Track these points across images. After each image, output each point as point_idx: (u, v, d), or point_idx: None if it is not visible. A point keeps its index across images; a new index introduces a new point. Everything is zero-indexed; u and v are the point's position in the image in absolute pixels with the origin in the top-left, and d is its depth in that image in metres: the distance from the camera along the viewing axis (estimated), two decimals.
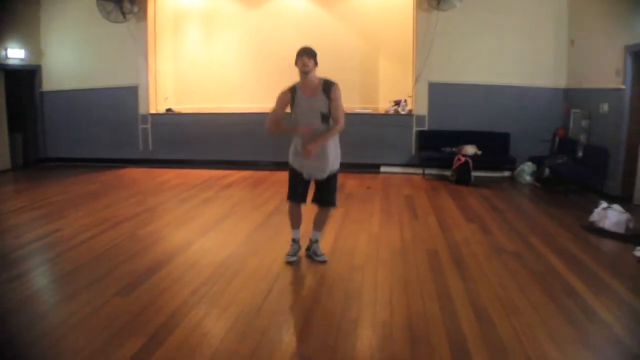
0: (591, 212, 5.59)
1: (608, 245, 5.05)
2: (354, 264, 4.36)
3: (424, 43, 8.68)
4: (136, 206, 6.49)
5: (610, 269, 4.28)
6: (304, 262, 4.42)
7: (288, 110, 4.21)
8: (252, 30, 10.05)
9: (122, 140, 9.70)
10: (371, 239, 5.11)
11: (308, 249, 4.46)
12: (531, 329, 3.16)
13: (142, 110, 9.56)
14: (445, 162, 8.38)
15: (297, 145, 4.16)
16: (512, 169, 8.49)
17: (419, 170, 8.76)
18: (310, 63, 4.02)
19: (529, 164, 8.26)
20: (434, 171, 8.70)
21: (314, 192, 4.31)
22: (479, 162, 8.11)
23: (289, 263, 4.30)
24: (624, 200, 6.31)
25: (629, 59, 6.70)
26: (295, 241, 4.43)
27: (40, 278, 4.13)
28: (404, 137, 8.96)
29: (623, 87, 6.79)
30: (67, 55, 9.84)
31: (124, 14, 9.04)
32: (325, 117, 4.07)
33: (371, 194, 7.20)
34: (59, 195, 7.19)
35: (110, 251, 4.70)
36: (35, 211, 6.25)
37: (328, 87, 4.06)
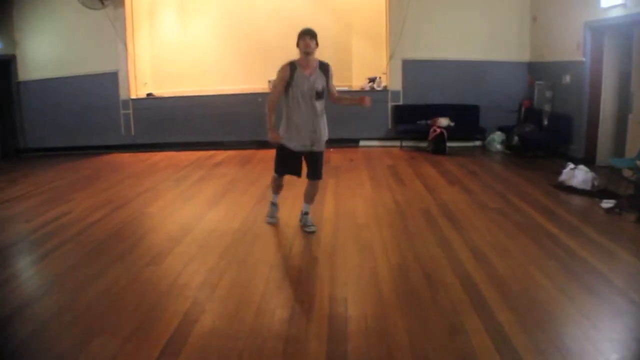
0: (559, 173, 6.20)
1: (577, 200, 5.67)
2: (359, 223, 4.84)
3: (397, 21, 9.14)
4: (135, 187, 6.76)
5: (582, 218, 4.92)
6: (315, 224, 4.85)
7: None
8: (227, 12, 10.23)
9: (104, 126, 9.80)
10: (367, 202, 5.60)
11: (300, 220, 4.72)
12: (522, 265, 3.75)
13: (123, 96, 9.69)
14: (421, 134, 8.92)
15: (297, 126, 4.34)
16: (483, 139, 9.10)
17: (397, 143, 9.27)
18: (313, 44, 4.23)
19: (499, 133, 8.88)
20: (410, 143, 9.22)
21: (308, 168, 4.54)
22: (452, 133, 8.67)
23: (269, 224, 4.79)
24: (587, 162, 6.89)
25: (588, 34, 7.30)
26: (274, 204, 4.87)
27: (66, 257, 4.22)
28: (380, 112, 9.42)
29: (583, 59, 7.40)
30: (43, 44, 9.83)
31: (101, 0, 9.13)
32: (320, 95, 4.33)
33: (355, 165, 7.69)
34: (56, 181, 7.36)
35: (127, 228, 4.99)
36: (37, 197, 6.41)
37: (325, 66, 4.36)
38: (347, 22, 9.97)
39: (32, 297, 3.49)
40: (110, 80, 9.66)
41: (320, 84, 4.32)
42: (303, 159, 4.52)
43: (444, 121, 8.82)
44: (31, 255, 4.37)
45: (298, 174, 4.58)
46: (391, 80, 9.41)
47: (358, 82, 9.84)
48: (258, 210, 5.32)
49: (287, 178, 4.68)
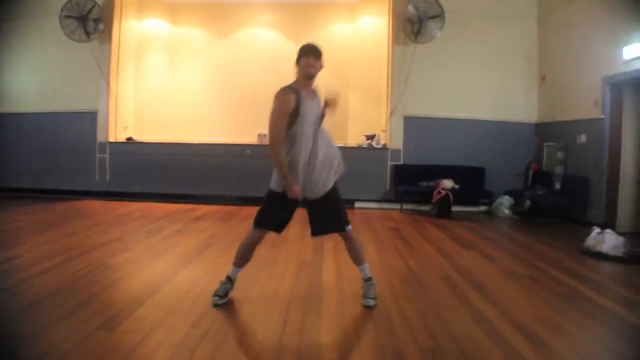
0: (580, 238, 5.66)
1: (614, 267, 5.00)
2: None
3: (400, 77, 8.58)
4: (102, 235, 5.83)
5: (629, 287, 4.23)
6: (308, 287, 3.94)
7: None
8: (218, 60, 9.74)
9: (77, 170, 8.94)
10: (374, 267, 4.66)
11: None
12: (584, 345, 3.02)
13: (100, 138, 8.88)
14: (423, 197, 8.16)
15: (300, 161, 3.35)
16: (490, 203, 8.37)
17: (396, 206, 8.48)
18: (318, 65, 3.33)
19: (507, 197, 8.18)
20: (411, 206, 8.44)
21: (314, 222, 3.54)
22: (457, 196, 7.92)
23: (215, 306, 3.45)
24: (607, 227, 6.24)
25: (607, 90, 6.80)
26: (230, 280, 3.59)
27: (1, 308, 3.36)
28: (378, 172, 8.71)
29: (603, 116, 6.87)
30: (19, 76, 9.14)
31: (88, 33, 8.54)
32: (322, 119, 3.48)
33: (354, 228, 6.79)
34: (12, 223, 6.42)
35: (82, 280, 4.04)
36: None
37: (317, 90, 3.50)
38: (344, 78, 9.44)
39: None
40: (89, 121, 8.90)
41: (320, 110, 3.44)
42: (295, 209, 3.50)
43: (448, 183, 8.10)
44: None
45: (282, 228, 3.56)
46: (392, 138, 8.74)
47: (355, 140, 9.19)
48: (244, 271, 4.38)
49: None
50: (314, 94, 3.45)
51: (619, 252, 5.26)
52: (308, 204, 3.50)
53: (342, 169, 3.56)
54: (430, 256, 5.17)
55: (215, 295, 3.51)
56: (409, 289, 4.03)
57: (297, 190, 3.30)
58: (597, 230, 5.58)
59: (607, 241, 5.36)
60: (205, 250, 5.23)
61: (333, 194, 3.47)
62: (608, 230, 5.53)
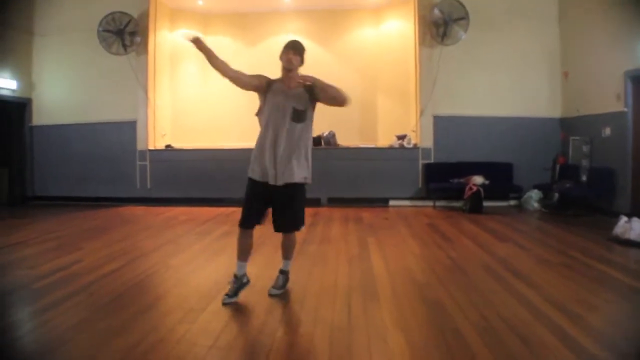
0: (608, 228, 5.90)
1: None
2: (419, 281, 4.26)
3: (427, 77, 8.89)
4: (154, 239, 6.22)
5: None
6: (361, 277, 4.28)
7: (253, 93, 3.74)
8: (248, 69, 9.93)
9: (118, 177, 9.41)
10: (418, 259, 5.03)
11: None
12: (621, 321, 3.32)
13: (140, 147, 9.33)
14: (454, 193, 8.46)
15: (262, 145, 3.62)
16: (519, 197, 8.65)
17: (428, 203, 8.81)
18: (296, 60, 3.57)
19: (535, 191, 8.45)
20: (443, 202, 8.75)
21: (274, 215, 3.73)
22: (487, 191, 8.20)
23: (225, 304, 3.62)
24: (634, 216, 6.46)
25: (629, 84, 7.03)
26: (237, 277, 3.73)
27: (79, 308, 3.62)
28: (410, 171, 9.04)
29: (625, 110, 7.10)
30: (60, 88, 9.64)
31: (125, 46, 8.97)
32: (299, 117, 3.56)
33: (392, 224, 7.16)
34: (63, 230, 6.84)
35: (149, 279, 4.41)
36: (42, 244, 5.83)
37: (309, 87, 3.60)
38: (372, 80, 9.80)
39: (39, 352, 2.89)
40: (128, 130, 9.36)
41: (300, 102, 3.58)
42: (267, 198, 3.67)
43: (479, 179, 8.38)
44: (35, 305, 3.70)
45: (258, 220, 3.71)
46: (422, 137, 9.05)
47: (385, 140, 9.52)
48: (299, 266, 4.74)
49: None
50: (294, 88, 3.63)
51: None
52: (273, 195, 3.67)
53: (308, 175, 3.70)
54: (468, 248, 5.48)
55: (226, 294, 3.71)
56: (453, 277, 4.35)
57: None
58: (624, 218, 5.82)
59: (635, 228, 5.60)
60: (258, 249, 5.54)
61: (296, 192, 3.66)
62: (635, 218, 5.75)
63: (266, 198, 3.68)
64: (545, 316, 3.34)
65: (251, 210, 3.68)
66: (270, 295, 3.85)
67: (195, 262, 5.09)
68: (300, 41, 3.63)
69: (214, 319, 3.39)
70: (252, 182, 3.71)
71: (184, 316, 3.46)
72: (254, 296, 3.87)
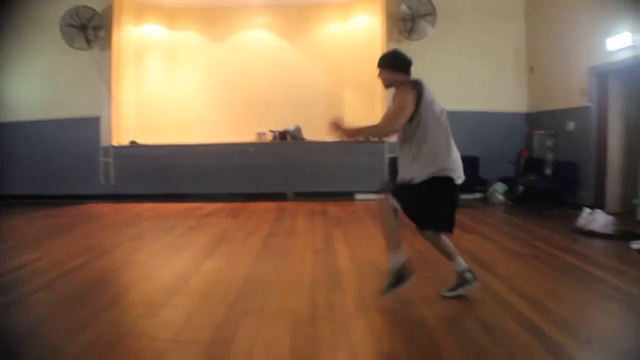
0: (572, 220, 6.03)
1: (604, 243, 5.39)
2: (383, 272, 4.22)
3: None
4: (118, 235, 6.09)
5: (618, 259, 4.65)
6: (326, 270, 4.25)
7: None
8: (216, 63, 9.99)
9: (81, 174, 9.15)
10: (384, 251, 4.94)
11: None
12: (584, 308, 3.39)
13: (104, 143, 9.11)
14: None
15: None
16: (484, 190, 8.74)
17: None
18: (382, 77, 3.54)
19: (500, 184, 8.55)
20: None
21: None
22: None
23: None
24: (597, 208, 6.61)
25: (593, 79, 7.18)
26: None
27: (42, 304, 3.52)
28: (376, 165, 9.04)
29: (589, 104, 7.24)
30: (21, 85, 9.30)
31: (88, 41, 8.75)
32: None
33: (359, 217, 7.15)
34: (26, 228, 6.64)
35: (112, 275, 4.31)
36: (3, 243, 5.62)
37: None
38: (340, 75, 9.79)
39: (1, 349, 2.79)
40: (91, 126, 9.10)
41: None
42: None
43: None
44: None
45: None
46: None
47: None
48: (264, 259, 4.72)
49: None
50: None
51: (609, 230, 5.63)
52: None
53: (447, 172, 3.59)
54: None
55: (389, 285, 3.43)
56: (419, 268, 4.31)
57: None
58: (587, 210, 5.97)
59: (598, 220, 5.75)
60: (222, 243, 5.51)
61: (418, 192, 3.49)
62: (598, 210, 5.92)
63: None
64: (510, 305, 3.36)
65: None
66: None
67: (159, 258, 4.98)
68: (385, 54, 3.57)
69: (176, 313, 3.32)
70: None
71: (146, 310, 3.38)
72: (219, 289, 3.79)
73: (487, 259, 4.63)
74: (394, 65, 3.52)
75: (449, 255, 3.59)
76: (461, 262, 3.57)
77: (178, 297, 3.64)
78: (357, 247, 5.21)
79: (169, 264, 4.73)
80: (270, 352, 2.70)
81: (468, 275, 3.54)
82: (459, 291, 3.53)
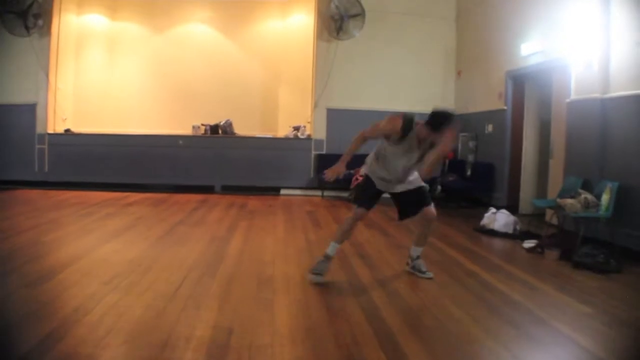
0: (481, 219, 6.32)
1: (499, 242, 5.79)
2: (264, 260, 4.57)
3: (323, 70, 9.27)
4: (36, 219, 6.25)
5: (503, 257, 5.05)
6: (212, 256, 4.54)
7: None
8: (155, 55, 10.14)
9: (17, 161, 9.22)
10: (277, 242, 5.39)
11: (412, 266, 4.22)
12: (437, 299, 3.65)
13: (39, 130, 9.19)
14: (344, 183, 8.80)
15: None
16: None
17: (318, 193, 9.18)
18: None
19: None
20: (332, 193, 9.13)
21: (402, 207, 4.34)
22: None
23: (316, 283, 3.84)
24: (511, 209, 6.92)
25: (509, 83, 7.62)
26: (327, 258, 3.94)
27: None
28: (303, 161, 9.40)
29: (505, 107, 7.69)
30: None
31: (27, 28, 8.80)
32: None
33: (273, 210, 7.48)
34: None
35: (14, 253, 4.51)
36: None
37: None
38: (276, 72, 10.05)
39: None
40: (28, 113, 9.17)
41: None
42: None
43: (365, 169, 8.76)
44: None
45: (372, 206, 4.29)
46: (315, 129, 9.41)
47: (284, 131, 9.79)
48: (160, 243, 5.02)
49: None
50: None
51: (509, 229, 5.97)
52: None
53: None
54: (331, 232, 5.72)
55: (315, 272, 3.87)
56: (299, 257, 4.70)
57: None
58: (492, 210, 6.33)
59: (499, 219, 6.09)
60: (131, 229, 5.77)
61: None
62: (502, 210, 6.24)
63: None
64: (365, 293, 3.70)
65: (371, 198, 4.38)
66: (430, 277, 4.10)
67: (66, 240, 5.24)
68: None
69: (55, 286, 3.61)
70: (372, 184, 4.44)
71: (29, 283, 3.65)
72: (103, 268, 4.05)
73: (370, 251, 5.01)
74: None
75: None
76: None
77: (65, 273, 3.91)
78: (253, 238, 5.50)
79: (72, 245, 4.98)
80: (118, 320, 2.98)
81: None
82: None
